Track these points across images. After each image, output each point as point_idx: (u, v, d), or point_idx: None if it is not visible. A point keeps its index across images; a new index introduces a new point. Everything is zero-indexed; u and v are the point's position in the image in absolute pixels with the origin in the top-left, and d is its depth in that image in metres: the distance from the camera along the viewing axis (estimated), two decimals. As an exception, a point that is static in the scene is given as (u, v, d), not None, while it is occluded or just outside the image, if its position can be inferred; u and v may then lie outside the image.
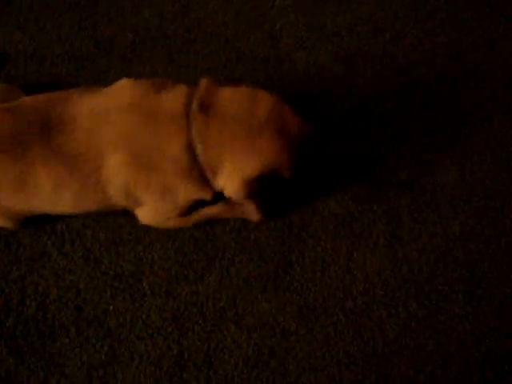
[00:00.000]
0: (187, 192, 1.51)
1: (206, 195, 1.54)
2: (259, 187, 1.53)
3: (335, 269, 1.71)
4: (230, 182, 1.48)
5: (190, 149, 1.45)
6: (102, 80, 2.04)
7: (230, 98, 1.49)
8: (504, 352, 1.62)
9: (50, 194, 1.51)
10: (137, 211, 1.62)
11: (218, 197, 1.58)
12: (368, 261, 1.72)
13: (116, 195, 1.52)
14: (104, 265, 1.70)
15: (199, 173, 1.48)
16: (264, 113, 1.46)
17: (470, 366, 1.60)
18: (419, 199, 1.82)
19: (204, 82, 1.53)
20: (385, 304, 1.66)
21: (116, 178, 1.48)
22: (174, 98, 1.49)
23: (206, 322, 1.62)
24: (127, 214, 1.74)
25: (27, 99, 1.55)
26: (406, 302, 1.66)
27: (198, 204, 1.62)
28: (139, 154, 1.45)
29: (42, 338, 1.62)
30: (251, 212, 1.71)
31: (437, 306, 1.66)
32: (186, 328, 1.62)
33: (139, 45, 2.15)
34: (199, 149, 1.45)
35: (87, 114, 1.48)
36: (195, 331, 1.61)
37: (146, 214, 1.62)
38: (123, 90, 1.52)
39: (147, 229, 1.74)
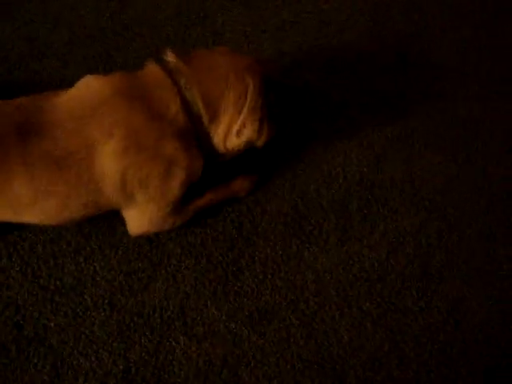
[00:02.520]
0: (187, 163, 1.48)
1: (198, 167, 1.52)
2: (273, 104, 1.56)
3: (286, 270, 1.66)
4: (237, 112, 1.50)
5: (186, 104, 1.46)
6: (37, 81, 1.94)
7: (206, 53, 1.55)
8: (459, 346, 1.60)
9: (31, 203, 1.42)
10: (129, 219, 1.57)
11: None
12: (319, 260, 1.68)
13: (112, 190, 1.45)
14: (43, 278, 1.61)
15: (197, 133, 1.49)
16: (243, 59, 1.53)
17: (426, 363, 1.57)
18: (368, 195, 1.78)
19: (169, 50, 1.55)
20: (337, 304, 1.62)
21: (113, 167, 1.41)
22: (149, 70, 1.52)
23: (154, 334, 1.55)
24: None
25: None
26: (359, 301, 1.63)
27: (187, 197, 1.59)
28: (136, 136, 1.41)
29: (-21, 359, 1.52)
30: (240, 188, 1.70)
31: (390, 303, 1.63)
32: (132, 341, 1.54)
33: (75, 43, 2.05)
34: (192, 97, 1.46)
35: (68, 117, 1.43)
36: (142, 344, 1.54)
37: (140, 217, 1.55)
38: (96, 84, 1.49)
39: (87, 238, 1.65)
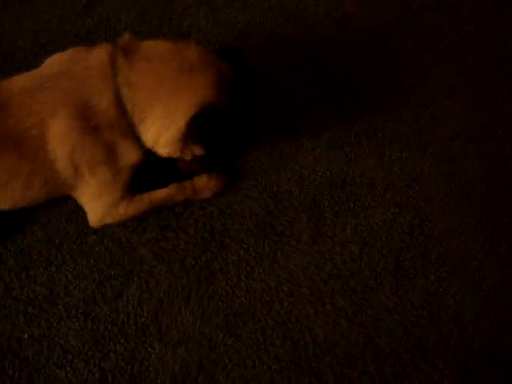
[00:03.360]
0: (122, 149, 1.49)
1: (138, 155, 1.52)
2: (201, 138, 1.49)
3: (260, 271, 1.66)
4: (164, 128, 1.46)
5: (119, 100, 1.44)
6: (1, 90, 1.91)
7: (155, 45, 1.49)
8: (434, 339, 1.61)
9: (2, 184, 1.46)
10: (85, 206, 1.60)
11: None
12: (292, 259, 1.68)
13: (65, 169, 1.47)
14: (15, 290, 1.59)
15: (130, 129, 1.47)
16: (194, 55, 1.45)
17: (402, 357, 1.59)
18: (339, 193, 1.79)
19: (126, 36, 1.53)
20: (311, 302, 1.63)
21: (62, 147, 1.44)
22: (98, 53, 1.50)
23: (129, 341, 1.54)
24: (34, 234, 1.65)
25: None
26: (333, 299, 1.64)
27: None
28: (78, 116, 1.42)
29: (-48, 375, 1.50)
30: (204, 187, 1.69)
31: (364, 299, 1.64)
32: (107, 350, 1.53)
33: (41, 49, 2.03)
34: (126, 95, 1.43)
35: (19, 92, 1.45)
36: (117, 352, 1.53)
37: (93, 203, 1.57)
38: (52, 61, 1.53)
39: (58, 247, 1.64)
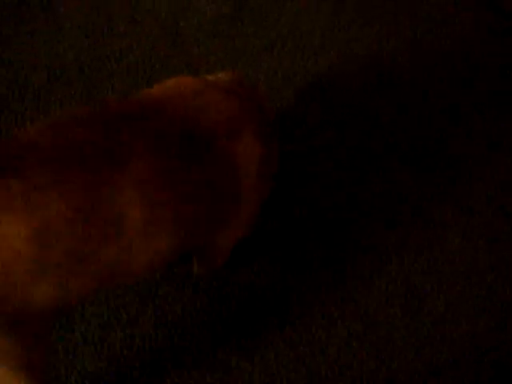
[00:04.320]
0: None
1: None
2: None
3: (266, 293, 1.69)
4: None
5: None
6: (18, 122, 1.97)
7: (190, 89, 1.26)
8: (446, 361, 1.63)
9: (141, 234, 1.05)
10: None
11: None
12: (303, 283, 1.71)
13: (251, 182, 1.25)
14: (33, 317, 1.63)
15: None
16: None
17: (414, 380, 1.60)
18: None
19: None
20: (323, 325, 1.65)
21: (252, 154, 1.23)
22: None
23: (145, 366, 1.57)
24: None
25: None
26: (345, 320, 1.66)
27: None
28: (259, 128, 1.26)
29: (-28, 401, 1.53)
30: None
31: (375, 320, 1.67)
32: (123, 374, 1.56)
33: (54, 82, 2.09)
34: None
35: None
36: (133, 377, 1.56)
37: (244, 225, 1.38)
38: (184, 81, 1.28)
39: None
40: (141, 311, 1.64)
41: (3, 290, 0.90)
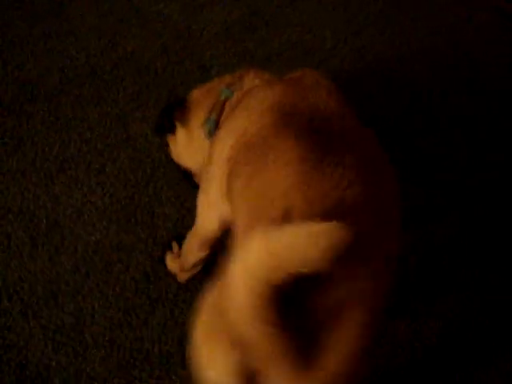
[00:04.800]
0: None
1: None
2: None
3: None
4: None
5: None
6: (29, 123, 1.99)
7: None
8: (454, 367, 1.63)
9: None
10: None
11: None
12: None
13: None
14: (44, 319, 1.64)
15: None
16: None
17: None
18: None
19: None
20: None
21: None
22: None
23: (154, 369, 1.58)
24: (62, 264, 1.70)
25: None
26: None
27: None
28: None
29: (-17, 401, 1.55)
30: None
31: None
32: (132, 377, 1.57)
33: (66, 84, 2.11)
34: None
35: None
36: (143, 379, 1.57)
37: None
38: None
39: (85, 277, 1.69)
40: (151, 314, 1.65)
41: None
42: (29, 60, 2.17)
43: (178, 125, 1.61)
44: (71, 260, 1.72)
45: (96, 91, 2.09)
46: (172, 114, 1.59)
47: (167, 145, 1.72)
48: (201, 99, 1.56)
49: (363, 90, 2.14)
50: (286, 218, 0.97)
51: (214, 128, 1.46)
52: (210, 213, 1.39)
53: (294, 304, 0.89)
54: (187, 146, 1.62)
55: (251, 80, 1.49)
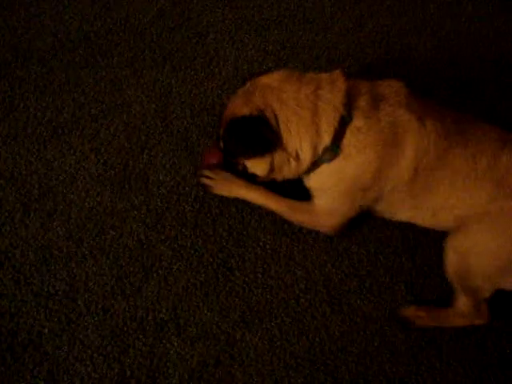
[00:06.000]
0: None
1: None
2: None
3: (276, 269, 1.68)
4: None
5: None
6: (22, 88, 1.94)
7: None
8: (447, 339, 1.62)
9: None
10: None
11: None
12: (309, 257, 1.70)
13: None
14: (36, 286, 1.62)
15: None
16: None
17: (417, 357, 1.60)
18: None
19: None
20: (328, 301, 1.64)
21: None
22: None
23: (147, 337, 1.56)
24: (55, 230, 1.67)
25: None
26: (349, 297, 1.65)
27: None
28: None
29: (-25, 367, 1.53)
30: None
31: (380, 297, 1.66)
32: (126, 345, 1.55)
33: (59, 49, 2.06)
34: None
35: None
36: (136, 347, 1.55)
37: None
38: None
39: (78, 244, 1.66)
40: (144, 282, 1.63)
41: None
42: (21, 24, 2.11)
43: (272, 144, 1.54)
44: (64, 226, 1.69)
45: (90, 56, 2.05)
46: (263, 133, 1.51)
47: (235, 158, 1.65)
48: (296, 120, 1.50)
49: (359, 62, 2.10)
50: None
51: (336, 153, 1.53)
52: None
53: None
54: (281, 165, 1.57)
55: (372, 102, 1.53)
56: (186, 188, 1.76)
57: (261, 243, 1.70)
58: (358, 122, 1.49)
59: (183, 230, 1.70)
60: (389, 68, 2.09)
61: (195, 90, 1.96)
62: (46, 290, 1.61)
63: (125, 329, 1.57)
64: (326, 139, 1.50)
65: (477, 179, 1.51)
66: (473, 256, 1.50)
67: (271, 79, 1.52)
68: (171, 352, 1.55)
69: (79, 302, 1.60)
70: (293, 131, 1.50)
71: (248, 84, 1.56)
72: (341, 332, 1.61)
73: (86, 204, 1.73)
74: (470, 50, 2.18)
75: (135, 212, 1.72)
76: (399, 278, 1.69)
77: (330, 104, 1.49)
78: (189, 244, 1.68)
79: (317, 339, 1.60)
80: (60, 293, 1.61)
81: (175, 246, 1.68)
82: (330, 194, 1.60)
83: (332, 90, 1.50)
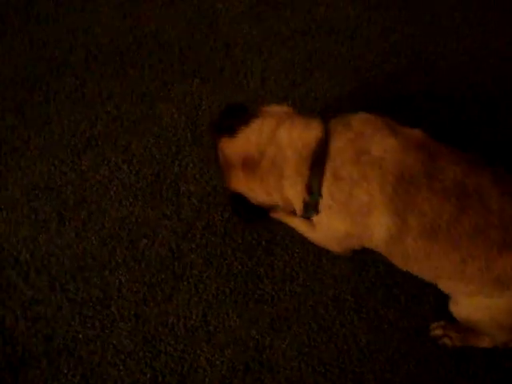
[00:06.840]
0: None
1: None
2: None
3: (304, 277, 1.70)
4: None
5: None
6: (56, 100, 2.00)
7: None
8: (476, 352, 1.63)
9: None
10: None
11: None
12: (337, 266, 1.72)
13: None
14: (71, 292, 1.67)
15: None
16: None
17: (445, 365, 1.61)
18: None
19: None
20: (355, 309, 1.66)
21: None
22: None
23: (178, 343, 1.61)
24: (89, 239, 1.73)
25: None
26: (376, 306, 1.67)
27: None
28: None
29: (13, 371, 1.58)
30: None
31: (407, 307, 1.67)
32: (157, 350, 1.60)
33: (92, 62, 2.12)
34: None
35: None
36: (167, 353, 1.60)
37: None
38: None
39: (112, 252, 1.71)
40: (175, 289, 1.67)
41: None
42: (54, 38, 2.18)
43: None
44: (98, 235, 1.74)
45: (121, 69, 2.10)
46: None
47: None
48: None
49: (385, 72, 2.12)
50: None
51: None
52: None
53: None
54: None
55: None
56: (216, 198, 1.80)
57: (289, 251, 1.73)
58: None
59: (213, 238, 1.74)
60: (414, 77, 2.11)
61: (224, 102, 2.00)
62: (80, 296, 1.67)
63: (156, 335, 1.62)
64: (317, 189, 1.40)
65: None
66: (475, 320, 1.44)
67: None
68: (201, 358, 1.59)
69: (112, 309, 1.65)
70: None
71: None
72: (368, 340, 1.63)
73: (119, 214, 1.78)
74: (498, 61, 2.18)
75: (166, 221, 1.77)
76: (427, 289, 1.70)
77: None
78: (218, 252, 1.72)
79: (345, 346, 1.62)
80: (94, 299, 1.66)
81: (205, 254, 1.72)
82: (319, 230, 1.52)
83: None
